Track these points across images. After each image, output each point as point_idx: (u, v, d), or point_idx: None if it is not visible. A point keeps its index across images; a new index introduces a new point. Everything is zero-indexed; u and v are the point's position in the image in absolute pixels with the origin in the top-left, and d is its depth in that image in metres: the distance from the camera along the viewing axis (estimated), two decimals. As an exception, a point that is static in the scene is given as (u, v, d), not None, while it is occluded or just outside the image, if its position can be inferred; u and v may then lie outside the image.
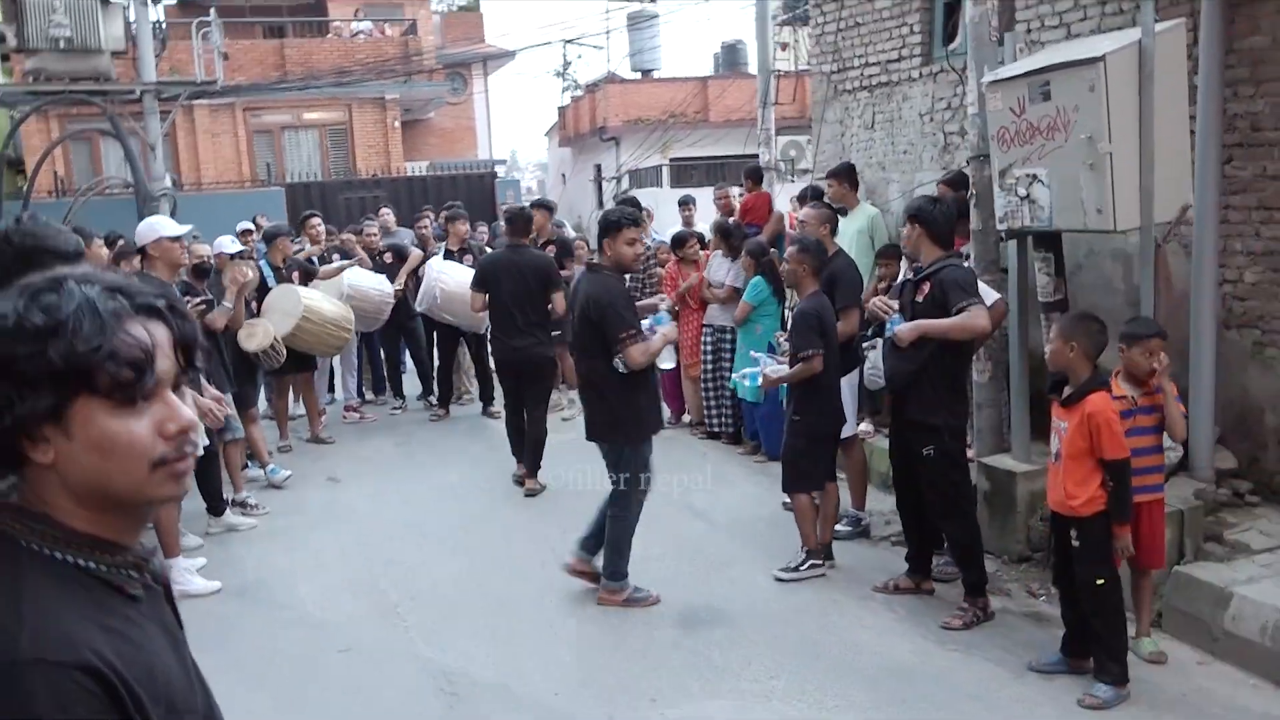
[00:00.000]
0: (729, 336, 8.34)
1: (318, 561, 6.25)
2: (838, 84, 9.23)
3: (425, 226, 10.83)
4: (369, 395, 10.75)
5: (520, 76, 61.76)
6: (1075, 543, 4.15)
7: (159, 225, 5.95)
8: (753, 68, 28.80)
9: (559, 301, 7.64)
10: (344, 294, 8.59)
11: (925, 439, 4.97)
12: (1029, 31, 6.79)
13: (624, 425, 5.31)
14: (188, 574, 5.84)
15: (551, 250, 9.08)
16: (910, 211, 5.16)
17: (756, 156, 23.54)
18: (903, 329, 4.97)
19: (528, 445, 7.63)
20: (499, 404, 9.89)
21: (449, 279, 9.22)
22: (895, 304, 5.37)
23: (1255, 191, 5.58)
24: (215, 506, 6.67)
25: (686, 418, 9.32)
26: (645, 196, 20.88)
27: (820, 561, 5.72)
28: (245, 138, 21.84)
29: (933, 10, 8.12)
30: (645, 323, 5.32)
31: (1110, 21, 6.41)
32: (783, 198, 18.53)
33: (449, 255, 9.82)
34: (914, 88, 8.25)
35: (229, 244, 8.19)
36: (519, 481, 7.63)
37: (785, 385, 5.81)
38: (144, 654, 1.29)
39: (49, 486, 1.28)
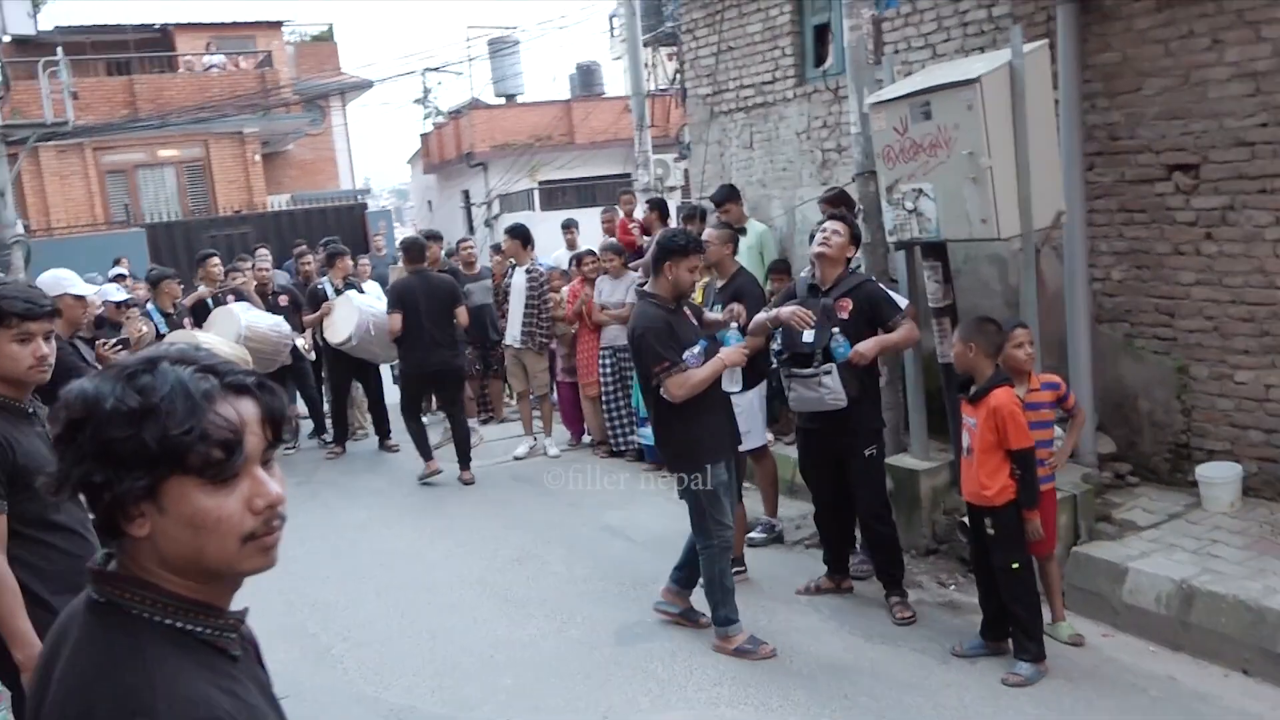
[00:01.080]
0: (628, 355, 8.51)
1: (239, 608, 6.13)
2: (714, 106, 9.53)
3: (309, 261, 10.70)
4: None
5: (379, 106, 60.84)
6: (990, 530, 4.44)
7: (64, 281, 5.74)
8: (609, 90, 29.28)
9: (462, 315, 8.56)
10: (240, 335, 8.44)
11: (868, 442, 5.22)
12: (897, 52, 7.18)
13: (682, 454, 5.03)
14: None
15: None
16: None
17: (626, 176, 23.95)
18: (866, 348, 5.06)
19: (457, 444, 8.65)
20: (396, 436, 9.91)
21: (375, 311, 9.09)
22: (812, 315, 5.52)
23: (1116, 196, 6.04)
24: None
25: (587, 438, 9.44)
26: (516, 220, 21.00)
27: (739, 569, 5.93)
28: (97, 178, 21.05)
29: (802, 33, 8.48)
30: (693, 350, 4.88)
31: (972, 42, 6.85)
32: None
33: (336, 291, 9.73)
34: (789, 108, 8.59)
35: (114, 292, 7.98)
36: (425, 480, 8.56)
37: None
38: (255, 712, 1.37)
39: (147, 556, 1.35)
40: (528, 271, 8.93)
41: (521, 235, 9.01)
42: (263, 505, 1.35)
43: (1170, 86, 5.69)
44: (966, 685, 4.51)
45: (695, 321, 5.14)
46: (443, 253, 10.23)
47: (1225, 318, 5.62)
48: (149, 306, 8.27)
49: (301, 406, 10.58)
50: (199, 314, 8.91)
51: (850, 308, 5.18)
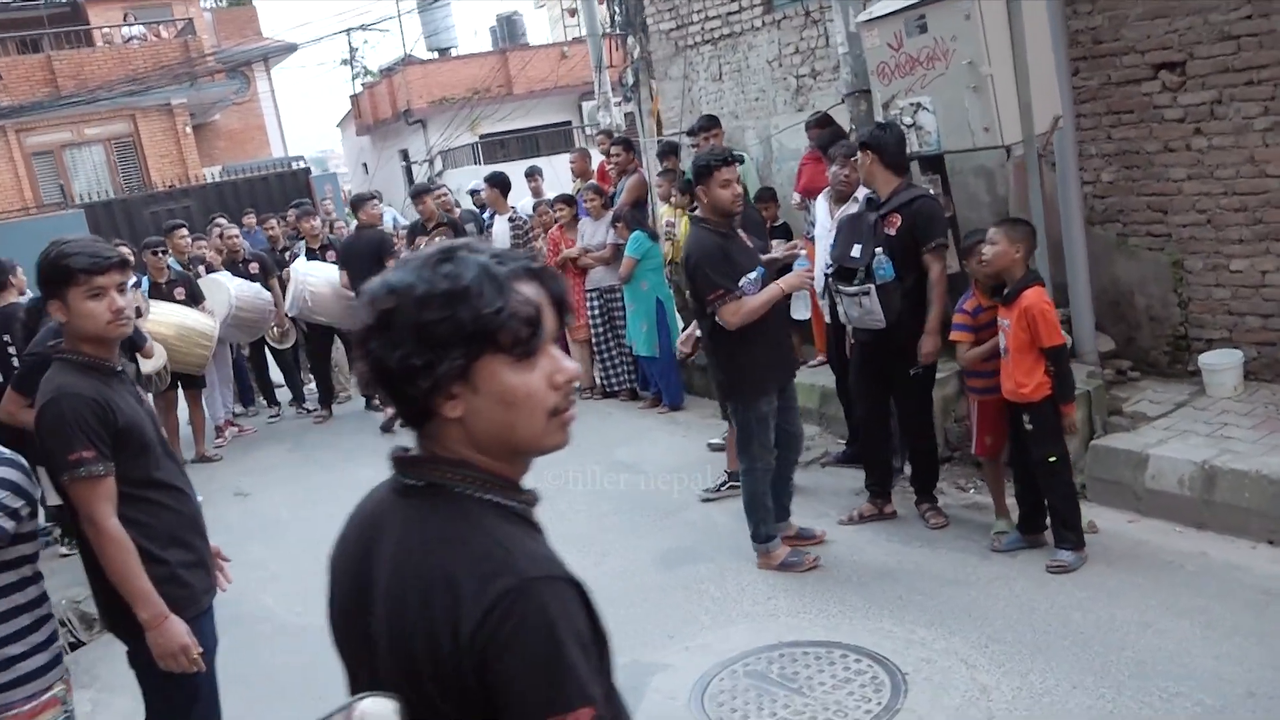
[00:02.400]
0: (617, 296, 8.53)
1: (268, 573, 6.14)
2: (678, 40, 9.50)
3: (273, 227, 10.53)
4: (237, 408, 10.41)
5: (304, 70, 58.79)
6: (1029, 426, 4.58)
7: None
8: (532, 40, 28.92)
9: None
10: (231, 304, 8.32)
11: (914, 361, 5.18)
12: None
13: (732, 383, 5.04)
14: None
15: (444, 232, 9.02)
16: (861, 140, 5.29)
17: (568, 124, 23.72)
18: (927, 347, 5.12)
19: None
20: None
21: (315, 279, 9.08)
22: (801, 246, 5.53)
23: (1103, 98, 6.17)
24: None
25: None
26: (460, 176, 20.76)
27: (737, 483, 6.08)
28: (23, 161, 20.38)
29: (768, -41, 8.47)
30: (750, 276, 4.83)
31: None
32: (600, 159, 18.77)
33: (311, 255, 9.61)
34: (759, 36, 8.59)
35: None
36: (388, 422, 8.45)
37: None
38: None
39: (457, 439, 1.40)
40: (510, 220, 8.88)
41: (500, 184, 8.96)
42: (562, 380, 1.41)
43: (1153, -14, 5.80)
44: (1012, 577, 4.68)
45: (752, 246, 5.07)
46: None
47: (1217, 209, 5.80)
48: (142, 278, 8.13)
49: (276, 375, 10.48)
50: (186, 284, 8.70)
51: (899, 224, 5.09)
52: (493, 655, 1.27)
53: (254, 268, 9.76)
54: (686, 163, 9.06)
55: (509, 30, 28.62)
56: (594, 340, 8.83)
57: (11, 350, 7.01)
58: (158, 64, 21.10)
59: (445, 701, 1.30)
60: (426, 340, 1.32)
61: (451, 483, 1.39)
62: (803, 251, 5.19)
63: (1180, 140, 5.87)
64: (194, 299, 8.45)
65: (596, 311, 8.71)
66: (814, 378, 7.08)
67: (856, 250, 5.22)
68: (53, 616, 2.90)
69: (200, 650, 2.97)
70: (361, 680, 1.43)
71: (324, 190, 18.34)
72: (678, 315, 8.21)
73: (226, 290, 8.61)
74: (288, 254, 10.16)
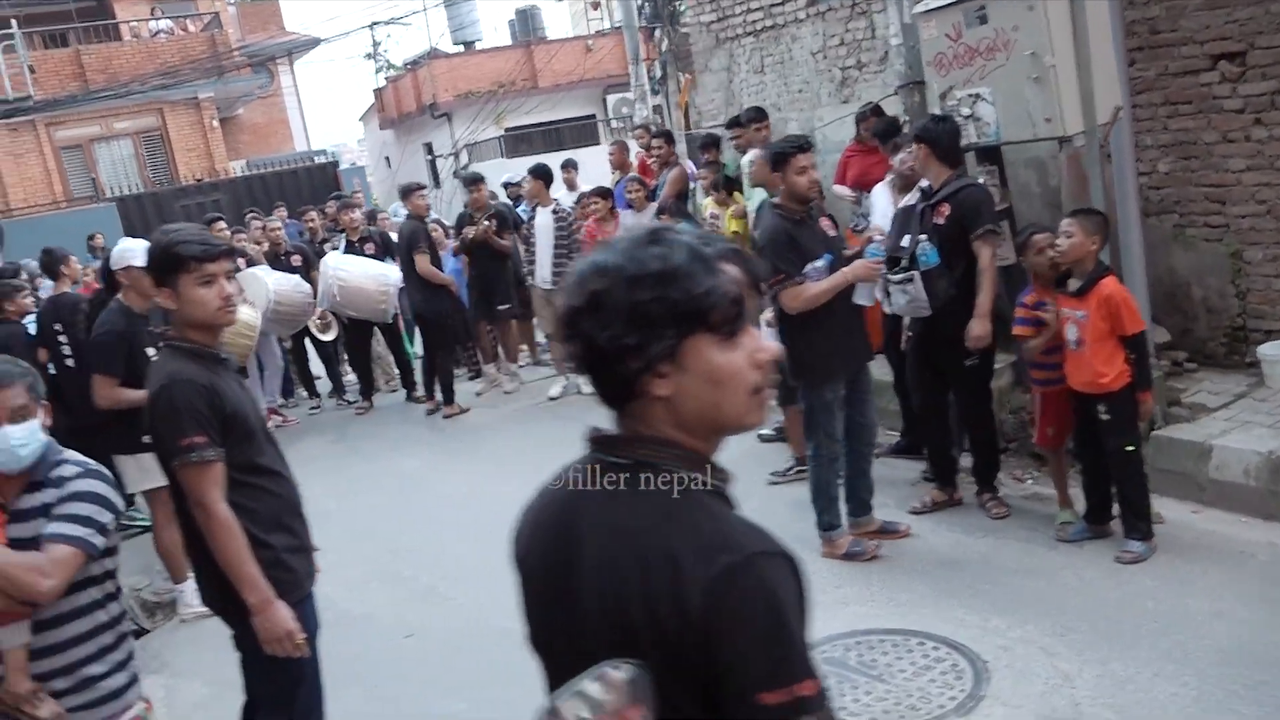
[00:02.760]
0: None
1: (324, 561, 6.16)
2: (719, 33, 9.50)
3: (313, 219, 10.57)
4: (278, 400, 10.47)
5: (331, 63, 58.69)
6: (1105, 416, 4.58)
7: (129, 251, 5.58)
8: (550, 32, 28.91)
9: (420, 263, 8.91)
10: (270, 299, 8.36)
11: (966, 351, 5.17)
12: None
13: (798, 368, 5.02)
14: (197, 595, 5.68)
15: (492, 222, 9.05)
16: (915, 133, 5.32)
17: (592, 117, 23.72)
18: (976, 330, 5.09)
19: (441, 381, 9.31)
20: (422, 389, 9.92)
21: (347, 273, 9.10)
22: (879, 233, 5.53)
23: (1160, 89, 6.16)
24: None
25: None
26: (486, 169, 20.79)
27: (805, 468, 6.13)
28: (52, 154, 20.48)
29: (812, -49, 8.47)
30: (817, 263, 4.84)
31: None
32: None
33: (350, 247, 9.64)
34: (802, 28, 8.60)
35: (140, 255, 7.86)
36: (430, 411, 9.24)
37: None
38: None
39: (661, 417, 1.43)
40: (553, 211, 8.91)
41: (543, 175, 8.97)
42: (764, 358, 1.43)
43: (1213, -24, 5.79)
44: (1081, 566, 4.68)
45: (832, 234, 5.08)
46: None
47: (1278, 200, 5.78)
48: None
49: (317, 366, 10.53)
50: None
51: (948, 213, 5.10)
52: (718, 628, 1.30)
53: (295, 260, 9.80)
54: (727, 156, 9.10)
55: (528, 24, 28.65)
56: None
57: (63, 339, 7.08)
58: (185, 58, 21.18)
59: (665, 672, 1.33)
60: (639, 320, 1.35)
61: (659, 461, 1.42)
62: (879, 237, 5.12)
63: (1240, 131, 5.85)
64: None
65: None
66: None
67: (906, 240, 5.27)
68: (130, 633, 2.90)
69: (304, 635, 3.01)
70: (565, 664, 1.44)
71: (352, 184, 18.39)
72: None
73: (264, 285, 8.62)
74: (326, 245, 10.20)
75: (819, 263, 4.84)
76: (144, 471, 5.51)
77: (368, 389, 9.97)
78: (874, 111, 7.19)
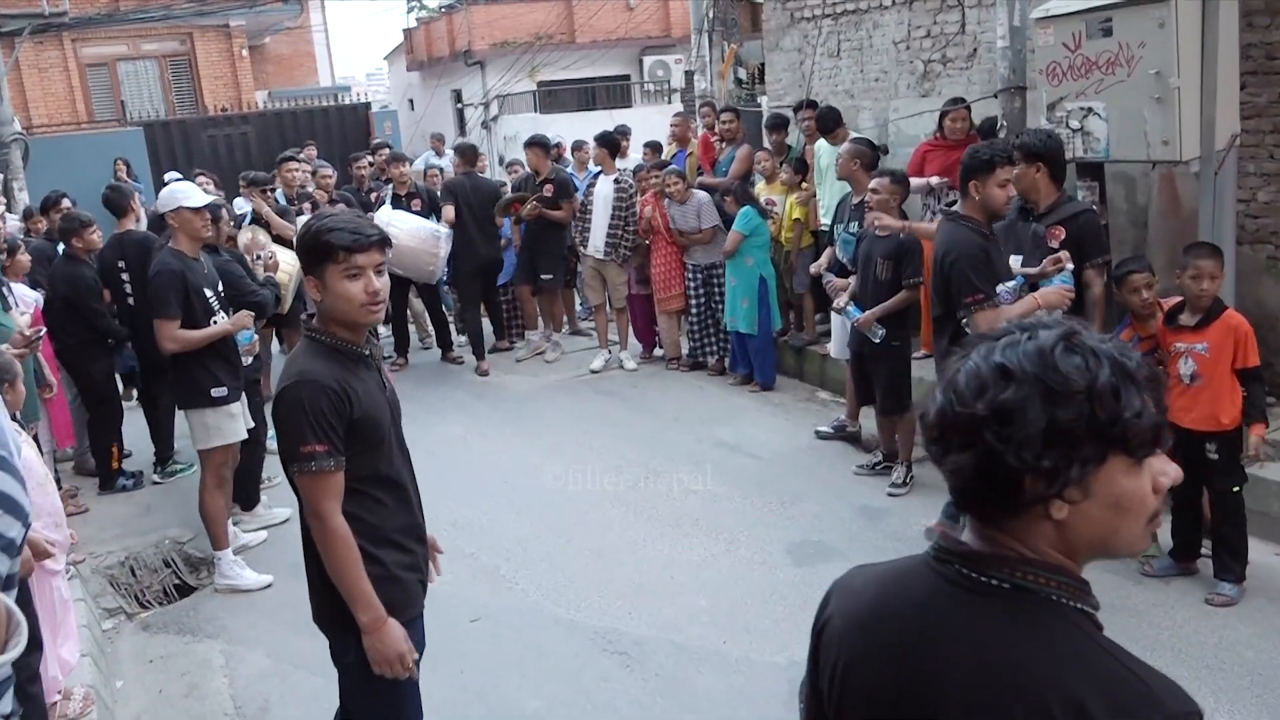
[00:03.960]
0: (718, 271, 8.40)
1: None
2: (794, 11, 9.28)
3: (364, 167, 10.37)
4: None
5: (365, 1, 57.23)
6: (1214, 456, 4.48)
7: (179, 193, 5.44)
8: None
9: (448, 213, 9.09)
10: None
11: None
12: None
13: None
14: (237, 567, 5.58)
15: (549, 189, 8.88)
16: (1032, 149, 4.95)
17: (627, 77, 23.37)
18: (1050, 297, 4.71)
19: (474, 336, 9.46)
20: (458, 349, 9.80)
21: (398, 229, 8.90)
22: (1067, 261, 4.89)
23: (1270, 117, 6.00)
24: (251, 498, 6.32)
25: (659, 352, 9.35)
26: (517, 122, 20.51)
27: (891, 464, 6.20)
28: (78, 72, 20.10)
29: (905, -62, 8.24)
30: (1009, 285, 4.55)
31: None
32: (660, 119, 18.47)
33: (396, 201, 9.45)
34: (886, 15, 8.39)
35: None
36: (481, 372, 9.25)
37: (852, 309, 5.95)
38: None
39: (1049, 540, 1.30)
40: (616, 180, 8.72)
41: (610, 144, 8.77)
42: (1165, 483, 1.29)
43: (1342, 6, 5.62)
44: (1171, 605, 4.60)
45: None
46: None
47: (1383, 242, 5.65)
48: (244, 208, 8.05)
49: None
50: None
51: (1062, 236, 4.89)
52: None
53: (340, 208, 9.58)
54: (792, 137, 8.91)
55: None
56: (693, 314, 8.70)
57: (125, 277, 6.92)
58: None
59: None
60: (1058, 441, 1.22)
61: (1045, 589, 1.28)
62: (1069, 266, 4.69)
63: (1351, 167, 5.71)
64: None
65: (700, 285, 8.57)
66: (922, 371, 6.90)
67: (1015, 261, 5.06)
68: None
69: (416, 656, 2.88)
70: None
71: (383, 128, 18.11)
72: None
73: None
74: (373, 196, 10.01)
75: (1011, 284, 4.55)
76: (206, 429, 5.40)
77: (403, 345, 9.83)
78: (963, 108, 7.02)
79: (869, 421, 6.94)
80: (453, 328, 10.05)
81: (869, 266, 5.98)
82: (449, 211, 9.02)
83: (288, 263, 7.61)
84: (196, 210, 5.42)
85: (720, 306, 8.43)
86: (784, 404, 7.93)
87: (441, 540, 3.23)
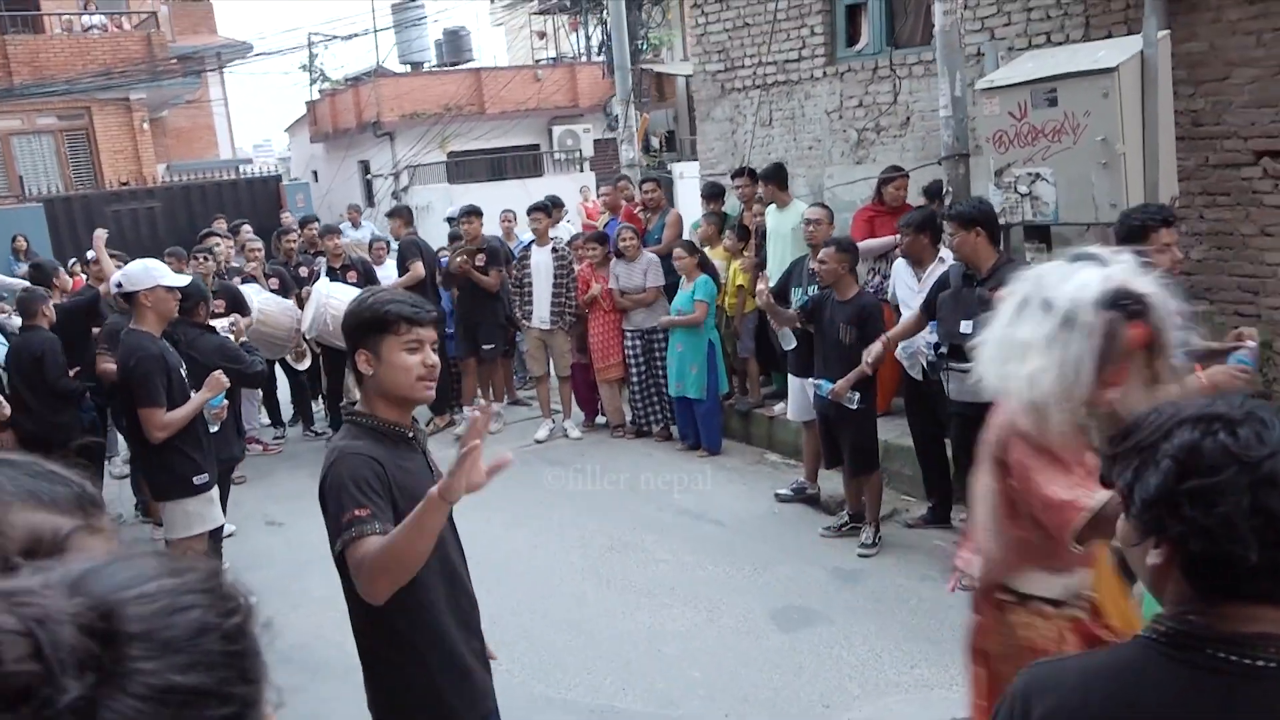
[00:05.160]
0: (658, 336, 8.44)
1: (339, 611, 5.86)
2: (725, 83, 9.49)
3: (292, 241, 10.17)
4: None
5: (266, 74, 56.35)
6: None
7: (155, 271, 5.19)
8: (480, 58, 28.62)
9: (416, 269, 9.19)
10: (254, 319, 7.98)
11: None
12: (961, 35, 7.29)
13: None
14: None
15: (482, 258, 8.85)
16: (968, 216, 5.19)
17: (536, 147, 23.48)
18: None
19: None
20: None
21: (338, 302, 8.77)
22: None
23: (1198, 179, 6.32)
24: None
25: (601, 419, 9.32)
26: (428, 193, 20.43)
27: (859, 524, 6.30)
28: (-32, 148, 19.42)
29: (834, 13, 8.52)
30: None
31: (1036, 27, 7.01)
32: (570, 188, 18.59)
33: (332, 274, 9.30)
34: (818, 86, 8.63)
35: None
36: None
37: (823, 383, 6.01)
38: None
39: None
40: (554, 249, 8.73)
41: (548, 210, 8.79)
42: None
43: (1261, 76, 5.97)
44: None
45: None
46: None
47: (1313, 295, 5.97)
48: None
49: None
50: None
51: None
52: None
53: (274, 283, 9.40)
54: (729, 204, 9.06)
55: (454, 44, 28.17)
56: (634, 380, 8.71)
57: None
58: (118, 56, 20.34)
59: None
60: (1246, 525, 1.24)
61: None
62: (1252, 344, 3.78)
63: (1279, 225, 6.04)
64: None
65: (639, 351, 8.60)
66: (906, 440, 6.92)
67: (966, 326, 5.18)
68: None
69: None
70: None
71: (295, 200, 17.83)
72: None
73: (250, 302, 8.25)
74: (302, 270, 9.82)
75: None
76: (187, 517, 5.21)
77: (339, 421, 9.58)
78: (902, 176, 7.23)
79: (827, 483, 7.03)
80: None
81: (830, 331, 6.06)
82: (419, 267, 9.15)
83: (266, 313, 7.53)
84: (170, 290, 5.24)
85: (661, 371, 8.46)
86: (736, 468, 7.96)
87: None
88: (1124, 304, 2.42)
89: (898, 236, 7.13)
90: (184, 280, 5.34)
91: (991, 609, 2.81)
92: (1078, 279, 2.47)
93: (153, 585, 0.77)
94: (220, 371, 5.39)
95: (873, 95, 8.17)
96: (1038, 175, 5.79)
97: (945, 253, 5.99)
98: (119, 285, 5.28)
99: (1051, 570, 2.68)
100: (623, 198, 9.92)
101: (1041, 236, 6.16)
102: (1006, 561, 2.74)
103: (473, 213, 9.07)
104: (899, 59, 7.84)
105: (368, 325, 2.67)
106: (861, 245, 7.43)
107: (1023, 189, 5.85)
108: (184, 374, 5.31)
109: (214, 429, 5.61)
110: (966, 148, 6.49)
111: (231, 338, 6.75)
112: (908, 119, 7.88)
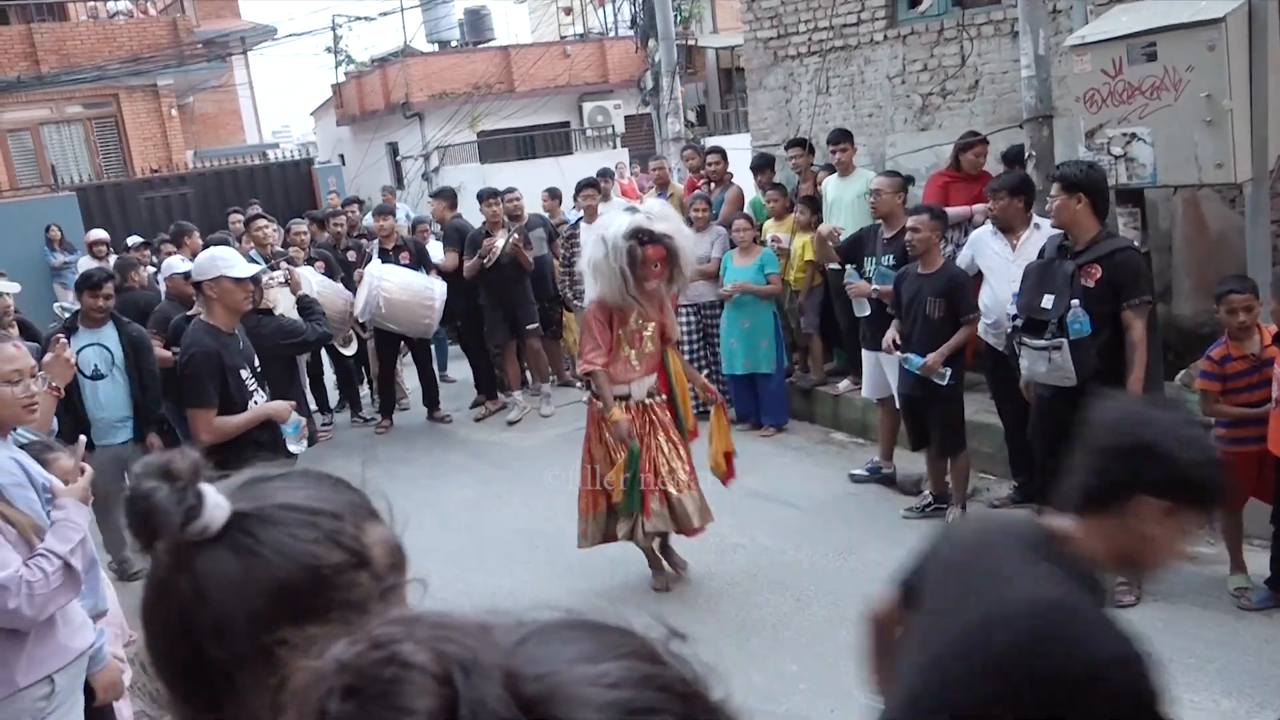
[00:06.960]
0: (715, 311, 8.20)
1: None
2: (777, 50, 9.19)
3: (340, 224, 9.95)
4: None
5: (285, 57, 56.47)
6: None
7: (221, 260, 4.83)
8: (500, 36, 28.31)
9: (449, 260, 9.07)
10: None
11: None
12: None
13: None
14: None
15: (520, 235, 8.65)
16: (1071, 180, 4.84)
17: (566, 124, 23.25)
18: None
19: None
20: (445, 407, 9.43)
21: (391, 284, 8.57)
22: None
23: (1298, 137, 5.99)
24: None
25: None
26: (459, 173, 20.19)
27: (943, 506, 6.10)
28: (-3, 137, 19.31)
29: (896, -27, 8.21)
30: None
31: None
32: (606, 163, 18.34)
33: (384, 255, 9.10)
34: (878, 50, 8.32)
35: (179, 263, 7.27)
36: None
37: (913, 357, 5.75)
38: None
39: None
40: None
41: (598, 186, 8.55)
42: None
43: (1371, 25, 5.63)
44: (1281, 641, 4.45)
45: None
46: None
47: None
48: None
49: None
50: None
51: (1098, 276, 4.75)
52: None
53: (319, 267, 9.18)
54: (780, 175, 8.78)
55: (475, 23, 27.83)
56: (689, 357, 8.46)
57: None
58: (144, 42, 20.16)
59: None
60: None
61: None
62: None
63: (1389, 184, 5.72)
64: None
65: (694, 328, 8.35)
66: (985, 417, 6.64)
67: (1048, 301, 4.89)
68: None
69: None
70: None
71: (328, 183, 17.60)
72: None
73: (309, 284, 8.02)
74: (349, 254, 9.60)
75: None
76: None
77: (388, 406, 9.42)
78: (981, 141, 6.93)
79: (901, 461, 6.78)
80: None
81: (917, 306, 5.79)
82: (451, 258, 8.95)
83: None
84: (239, 281, 4.81)
85: (716, 350, 8.23)
86: (803, 447, 7.72)
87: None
88: (639, 236, 4.84)
89: (975, 205, 6.87)
90: (252, 270, 5.00)
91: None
92: (617, 221, 4.96)
93: (613, 669, 0.61)
94: (291, 404, 5.11)
95: (938, 58, 7.86)
96: (1134, 135, 5.47)
97: (1039, 219, 5.71)
98: (186, 275, 5.04)
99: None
100: (668, 172, 9.70)
101: (1135, 200, 5.85)
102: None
103: (491, 195, 8.80)
104: (968, 19, 7.52)
105: None
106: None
107: (1117, 150, 5.54)
108: (253, 370, 4.99)
109: (297, 449, 5.26)
110: (1050, 109, 6.19)
111: (287, 300, 6.54)
112: (976, 82, 7.57)
